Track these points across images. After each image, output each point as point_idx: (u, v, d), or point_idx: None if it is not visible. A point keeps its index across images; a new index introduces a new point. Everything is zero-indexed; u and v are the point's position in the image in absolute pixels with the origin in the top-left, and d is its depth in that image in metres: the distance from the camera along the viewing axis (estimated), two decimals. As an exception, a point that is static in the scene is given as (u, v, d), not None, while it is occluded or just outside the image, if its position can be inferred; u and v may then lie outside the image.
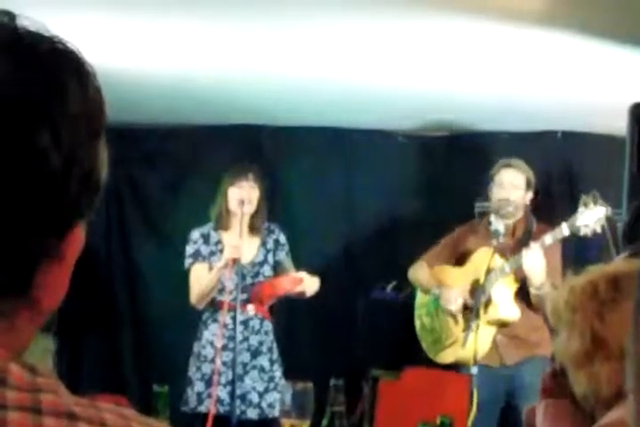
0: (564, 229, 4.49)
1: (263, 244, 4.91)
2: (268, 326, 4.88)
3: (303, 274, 4.79)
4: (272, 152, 6.07)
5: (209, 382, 4.69)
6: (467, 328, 4.67)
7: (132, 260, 6.17)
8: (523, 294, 4.73)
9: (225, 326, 4.71)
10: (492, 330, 4.77)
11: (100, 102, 0.83)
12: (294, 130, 6.01)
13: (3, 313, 0.78)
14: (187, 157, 6.09)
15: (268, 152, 6.07)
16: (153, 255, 6.07)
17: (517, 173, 4.89)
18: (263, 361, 4.79)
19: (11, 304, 0.78)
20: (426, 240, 5.16)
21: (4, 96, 0.76)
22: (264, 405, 4.74)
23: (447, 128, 6.00)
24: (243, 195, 4.76)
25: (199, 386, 4.74)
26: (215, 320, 4.78)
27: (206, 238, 4.89)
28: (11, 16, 0.81)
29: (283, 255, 4.92)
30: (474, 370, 4.44)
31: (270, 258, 4.91)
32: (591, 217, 4.41)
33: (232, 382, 4.62)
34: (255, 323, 4.82)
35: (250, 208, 4.79)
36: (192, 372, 4.80)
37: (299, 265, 4.93)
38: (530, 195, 4.93)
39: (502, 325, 4.78)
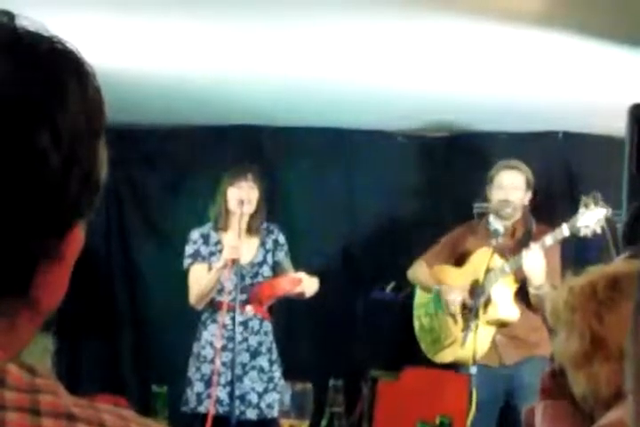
0: (565, 230, 4.49)
1: (262, 244, 4.90)
2: (268, 326, 4.88)
3: (302, 274, 4.79)
4: (272, 152, 6.07)
5: (208, 383, 4.69)
6: (466, 328, 4.68)
7: (132, 260, 6.17)
8: (522, 294, 4.74)
9: (224, 326, 4.71)
10: (492, 330, 4.77)
11: (99, 102, 0.83)
12: (294, 130, 6.01)
13: (2, 313, 0.78)
14: (186, 158, 6.09)
15: (267, 152, 6.07)
16: (153, 255, 6.07)
17: (517, 174, 4.90)
18: (262, 362, 4.79)
19: (10, 304, 0.78)
20: (425, 241, 5.16)
21: (4, 96, 0.76)
22: (263, 405, 4.74)
23: (447, 129, 6.00)
24: (242, 195, 4.76)
25: (199, 386, 4.74)
26: (214, 321, 4.78)
27: (206, 239, 4.89)
28: (10, 16, 0.81)
29: (282, 256, 4.92)
30: (473, 370, 4.44)
31: (269, 258, 4.90)
32: (592, 218, 4.41)
33: (231, 383, 4.62)
34: (254, 323, 4.82)
35: (249, 208, 4.79)
36: (191, 372, 4.80)
37: (298, 266, 4.93)
38: (529, 195, 4.94)
39: (502, 325, 4.78)
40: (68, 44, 0.82)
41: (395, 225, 5.98)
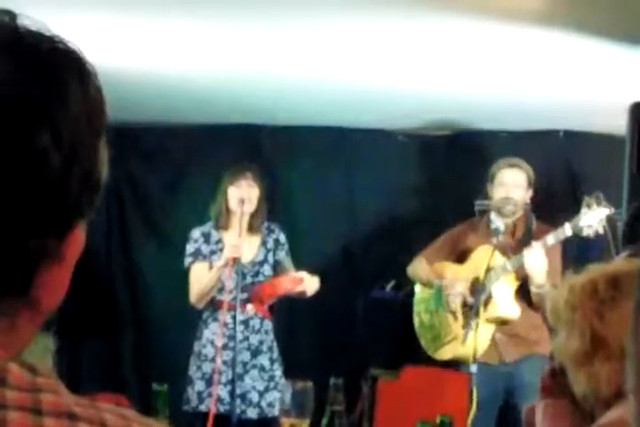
0: (567, 230, 4.49)
1: (263, 243, 4.91)
2: (268, 325, 4.88)
3: (303, 274, 4.79)
4: (272, 152, 6.07)
5: (209, 382, 4.70)
6: (466, 325, 4.67)
7: (133, 259, 6.17)
8: (523, 292, 4.74)
9: (225, 325, 4.72)
10: (492, 328, 4.77)
11: (100, 102, 0.83)
12: (294, 129, 6.01)
13: (3, 313, 0.78)
14: (186, 157, 6.09)
15: (267, 152, 6.07)
16: (153, 255, 6.07)
17: (518, 172, 4.90)
18: (263, 360, 4.80)
19: (11, 304, 0.78)
20: (426, 239, 5.16)
21: (5, 96, 0.76)
22: (264, 404, 4.74)
23: (448, 127, 6.00)
24: (242, 194, 4.77)
25: (200, 385, 4.74)
26: (215, 319, 4.78)
27: (207, 237, 4.89)
28: (11, 16, 0.81)
29: (282, 255, 4.92)
30: (473, 368, 4.44)
31: (270, 257, 4.91)
32: (594, 218, 4.41)
33: (232, 382, 4.62)
34: (255, 322, 4.82)
35: (250, 207, 4.79)
36: (192, 371, 4.80)
37: (299, 265, 4.93)
38: (530, 193, 4.94)
39: (502, 322, 4.78)
40: (69, 44, 0.82)
41: (395, 224, 5.97)
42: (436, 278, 4.96)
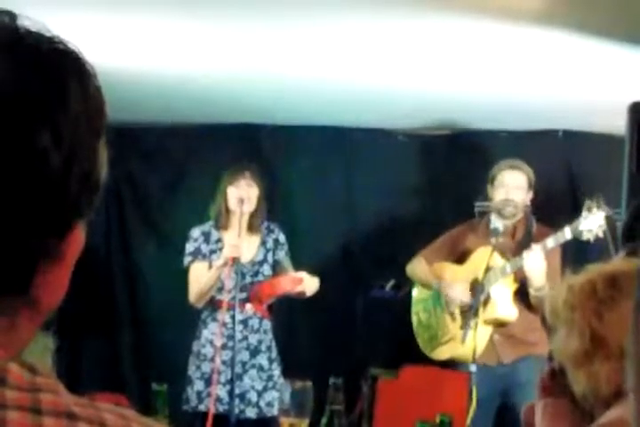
0: (567, 233, 4.48)
1: (263, 243, 4.91)
2: (267, 324, 4.88)
3: (303, 274, 4.79)
4: (271, 151, 6.07)
5: (208, 381, 4.70)
6: (464, 326, 4.68)
7: (132, 259, 6.17)
8: (522, 294, 4.73)
9: (224, 324, 4.72)
10: (489, 329, 4.77)
11: (100, 102, 0.83)
12: (294, 129, 6.00)
13: (3, 312, 0.78)
14: (186, 156, 6.09)
15: (267, 151, 6.07)
16: (153, 255, 6.07)
17: (519, 174, 4.90)
18: (262, 360, 4.80)
19: (11, 304, 0.78)
20: (426, 239, 5.16)
21: (5, 96, 0.76)
22: (263, 404, 4.74)
23: (448, 127, 6.00)
24: (242, 194, 4.77)
25: (199, 385, 4.75)
26: (214, 319, 4.78)
27: (207, 237, 4.89)
28: (11, 16, 0.81)
29: (282, 255, 4.93)
30: (472, 368, 4.44)
31: (270, 257, 4.91)
32: (594, 222, 4.39)
33: (231, 381, 4.62)
34: (254, 322, 4.82)
35: (249, 207, 4.80)
36: (192, 371, 4.80)
37: (298, 265, 4.93)
38: (530, 195, 4.94)
39: (500, 324, 4.78)
40: (69, 45, 0.82)
41: (395, 224, 5.97)
42: (435, 279, 4.96)
